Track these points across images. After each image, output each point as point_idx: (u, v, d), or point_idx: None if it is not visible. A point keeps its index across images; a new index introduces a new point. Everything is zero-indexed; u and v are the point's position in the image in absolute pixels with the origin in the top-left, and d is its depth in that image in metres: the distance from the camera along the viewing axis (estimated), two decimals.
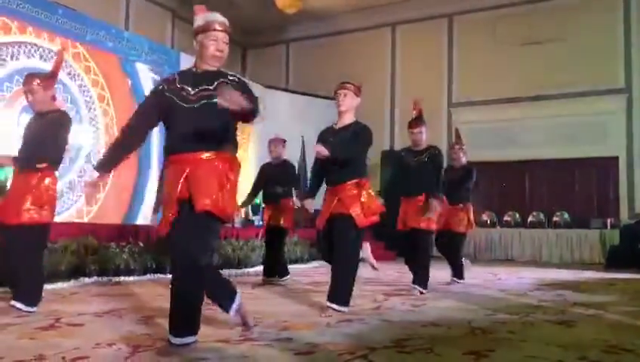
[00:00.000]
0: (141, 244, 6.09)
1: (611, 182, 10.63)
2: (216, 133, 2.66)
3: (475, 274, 6.73)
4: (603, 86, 10.60)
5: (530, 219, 10.93)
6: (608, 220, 10.20)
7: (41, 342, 2.66)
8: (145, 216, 8.52)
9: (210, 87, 2.68)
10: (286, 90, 12.87)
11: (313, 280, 6.08)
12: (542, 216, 10.85)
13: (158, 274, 5.95)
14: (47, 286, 4.70)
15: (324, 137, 3.96)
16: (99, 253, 5.54)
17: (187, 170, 2.61)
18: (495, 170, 10.97)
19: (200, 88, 2.69)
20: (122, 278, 5.55)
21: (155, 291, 4.83)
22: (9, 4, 6.80)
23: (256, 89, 11.63)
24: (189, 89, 2.71)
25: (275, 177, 5.95)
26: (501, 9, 11.54)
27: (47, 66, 7.21)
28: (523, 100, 11.13)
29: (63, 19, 7.50)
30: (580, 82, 10.64)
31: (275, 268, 5.88)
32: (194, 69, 2.82)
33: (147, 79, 8.74)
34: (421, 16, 12.28)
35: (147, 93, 2.95)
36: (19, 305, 3.46)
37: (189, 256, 2.55)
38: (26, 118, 6.75)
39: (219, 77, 2.74)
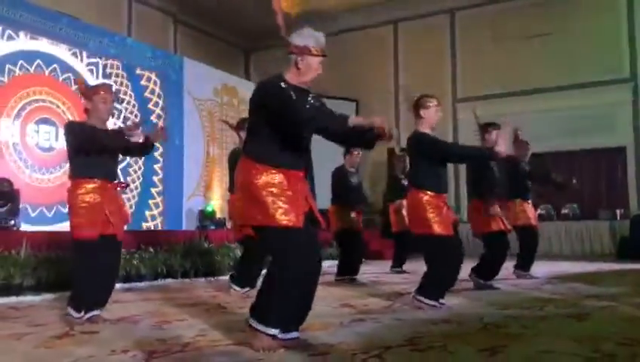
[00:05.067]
0: (151, 250, 6.12)
1: (619, 173, 10.58)
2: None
3: None
4: (609, 76, 10.53)
5: (539, 212, 10.87)
6: (618, 211, 10.12)
7: (57, 350, 2.68)
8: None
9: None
10: None
11: (327, 280, 6.07)
12: (551, 208, 10.80)
13: (169, 279, 5.99)
14: (59, 295, 4.75)
15: None
16: None
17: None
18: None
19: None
20: (133, 284, 5.57)
21: (167, 296, 4.85)
22: (13, 14, 6.85)
23: None
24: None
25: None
26: (503, 3, 11.49)
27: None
28: (528, 93, 11.08)
29: (67, 29, 7.54)
30: (585, 73, 10.58)
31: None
32: (292, 82, 2.73)
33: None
34: (423, 13, 12.24)
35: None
36: None
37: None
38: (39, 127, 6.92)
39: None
